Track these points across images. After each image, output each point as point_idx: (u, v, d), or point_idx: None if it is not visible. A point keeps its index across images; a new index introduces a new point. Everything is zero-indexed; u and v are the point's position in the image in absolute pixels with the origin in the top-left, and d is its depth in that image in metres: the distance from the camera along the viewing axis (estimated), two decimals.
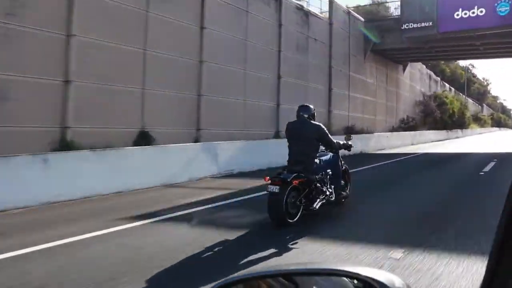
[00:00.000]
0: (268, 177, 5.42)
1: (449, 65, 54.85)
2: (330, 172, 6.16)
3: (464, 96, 55.95)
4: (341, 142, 6.39)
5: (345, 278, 1.00)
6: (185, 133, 11.79)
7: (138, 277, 3.62)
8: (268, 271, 1.12)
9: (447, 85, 48.77)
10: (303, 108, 5.94)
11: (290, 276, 1.08)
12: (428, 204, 7.09)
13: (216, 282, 1.05)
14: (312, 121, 5.87)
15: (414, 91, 33.65)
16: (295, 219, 5.54)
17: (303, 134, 5.75)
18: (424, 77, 37.29)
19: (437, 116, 34.36)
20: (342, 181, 6.73)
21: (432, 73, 40.83)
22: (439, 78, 44.38)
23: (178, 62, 11.72)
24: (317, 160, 5.91)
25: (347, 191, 6.85)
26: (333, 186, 6.15)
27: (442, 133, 35.13)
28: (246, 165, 11.67)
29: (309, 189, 5.72)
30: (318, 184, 5.91)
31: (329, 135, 5.95)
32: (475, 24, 19.82)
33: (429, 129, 32.82)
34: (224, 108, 13.25)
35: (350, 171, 7.08)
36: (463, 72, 60.05)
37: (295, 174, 5.49)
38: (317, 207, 5.76)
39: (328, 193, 6.02)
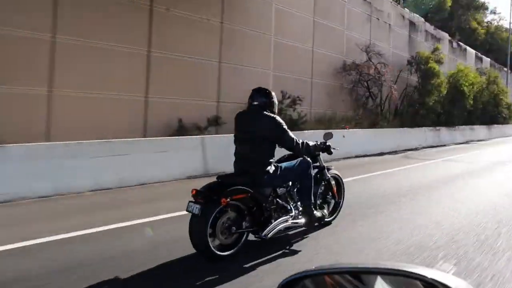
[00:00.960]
0: (194, 190, 3.85)
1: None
2: (298, 185, 4.45)
3: (504, 70, 34.63)
4: (314, 143, 4.59)
5: (412, 280, 1.03)
6: None
7: None
8: (336, 267, 1.18)
9: (469, 49, 29.89)
10: (257, 93, 4.23)
11: (357, 273, 1.13)
12: None
13: (285, 278, 1.14)
14: (265, 112, 4.16)
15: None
16: (230, 251, 3.92)
17: (252, 131, 4.12)
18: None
19: (394, 98, 17.48)
20: (333, 196, 5.01)
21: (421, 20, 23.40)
22: (446, 34, 26.56)
23: None
24: (272, 167, 4.19)
25: (330, 209, 5.06)
26: (300, 204, 4.44)
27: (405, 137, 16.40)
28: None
29: (259, 208, 4.08)
30: (279, 201, 4.25)
31: (289, 132, 4.22)
32: None
33: (371, 126, 15.57)
34: None
35: None
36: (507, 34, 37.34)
37: (232, 187, 3.88)
38: (269, 234, 4.08)
39: (293, 213, 4.32)
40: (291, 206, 4.36)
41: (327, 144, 4.79)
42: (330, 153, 4.81)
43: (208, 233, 3.73)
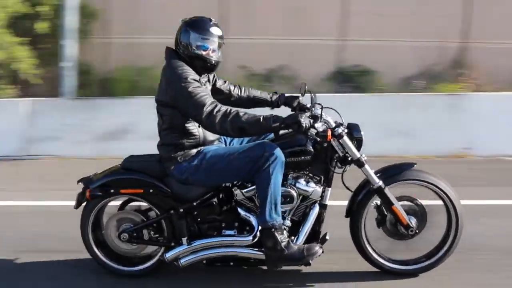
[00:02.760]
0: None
1: None
2: (250, 186, 2.47)
3: None
4: (261, 116, 2.30)
5: None
6: None
7: None
8: None
9: None
10: (180, 28, 2.53)
11: None
12: None
13: None
14: (172, 59, 2.47)
15: None
16: (138, 267, 2.70)
17: (158, 88, 2.57)
18: None
19: None
20: (404, 226, 2.55)
21: None
22: None
23: None
24: (187, 154, 2.47)
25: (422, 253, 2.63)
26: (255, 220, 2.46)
27: None
28: None
29: (168, 213, 2.57)
30: (240, 211, 2.51)
31: (200, 93, 2.32)
32: None
33: None
34: None
35: None
36: None
37: (125, 177, 2.59)
38: (183, 261, 2.50)
39: (256, 236, 2.44)
40: (256, 223, 2.48)
41: (292, 120, 2.28)
42: (300, 132, 2.29)
43: (90, 234, 2.66)
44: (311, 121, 2.31)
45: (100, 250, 2.69)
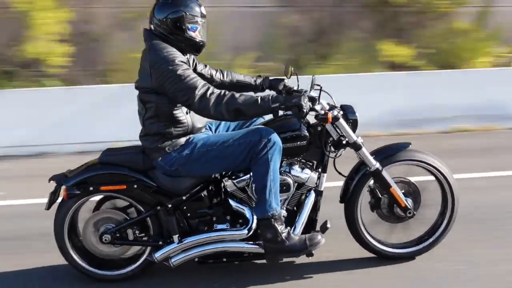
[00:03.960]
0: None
1: None
2: (243, 175, 2.33)
3: None
4: (258, 96, 2.15)
5: None
6: None
7: None
8: None
9: None
10: (158, 6, 2.29)
11: None
12: None
13: None
14: (154, 41, 2.27)
15: None
16: (118, 272, 2.46)
17: (138, 75, 2.34)
18: None
19: None
20: (402, 209, 2.47)
21: None
22: None
23: None
24: (175, 143, 2.28)
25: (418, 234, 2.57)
26: (250, 212, 2.31)
27: None
28: None
29: (154, 209, 2.37)
30: (232, 203, 2.34)
31: (187, 74, 2.13)
32: None
33: None
34: None
35: None
36: None
37: (104, 171, 2.35)
38: (174, 261, 2.31)
39: (251, 229, 2.29)
40: (252, 214, 2.33)
41: (294, 101, 2.12)
42: (300, 115, 2.15)
43: (66, 238, 2.41)
44: (310, 104, 2.18)
45: (78, 255, 2.45)
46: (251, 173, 2.26)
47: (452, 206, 2.53)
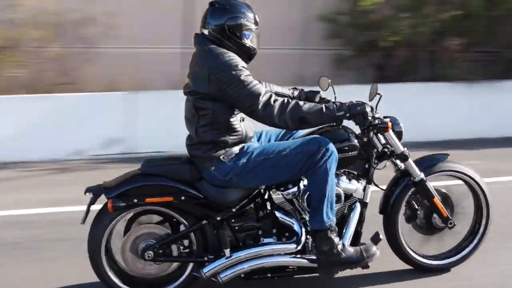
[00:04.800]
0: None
1: None
2: (303, 186, 2.27)
3: None
4: (321, 106, 2.13)
5: None
6: None
7: None
8: None
9: None
10: (212, 11, 2.25)
11: None
12: None
13: None
14: (211, 46, 2.22)
15: None
16: None
17: (190, 81, 2.26)
18: None
19: None
20: (443, 220, 2.49)
21: None
22: None
23: None
24: (230, 152, 2.21)
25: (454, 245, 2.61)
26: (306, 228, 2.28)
27: None
28: None
29: (211, 223, 2.27)
30: (279, 216, 2.27)
31: (252, 81, 2.09)
32: None
33: None
34: None
35: None
36: None
37: (148, 183, 2.23)
38: (223, 277, 2.20)
39: (302, 241, 2.25)
40: (302, 227, 2.27)
41: (359, 109, 2.16)
42: (364, 127, 2.25)
43: (103, 255, 2.24)
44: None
45: (114, 273, 2.28)
46: (307, 183, 2.22)
47: (487, 216, 2.60)
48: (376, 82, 2.49)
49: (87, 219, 2.23)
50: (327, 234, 2.17)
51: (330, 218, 2.17)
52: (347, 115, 2.12)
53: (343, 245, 2.22)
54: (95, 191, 2.23)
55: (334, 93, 2.61)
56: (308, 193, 2.24)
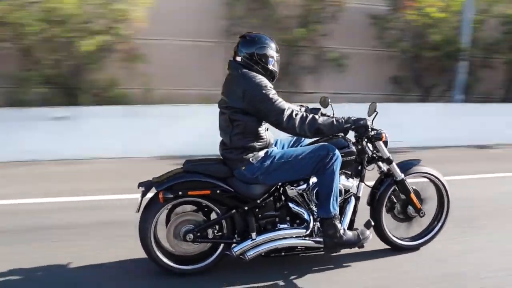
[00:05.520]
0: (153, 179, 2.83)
1: None
2: (311, 183, 2.87)
3: None
4: (332, 119, 2.74)
5: None
6: None
7: None
8: None
9: None
10: (243, 42, 2.83)
11: None
12: None
13: None
14: (244, 70, 2.77)
15: None
16: (194, 266, 2.85)
17: (224, 100, 2.81)
18: None
19: None
20: (415, 210, 3.18)
21: None
22: None
23: None
24: (257, 155, 2.77)
25: (420, 230, 3.29)
26: (315, 217, 2.89)
27: None
28: None
29: (242, 213, 2.82)
30: (292, 206, 2.86)
31: (278, 99, 2.67)
32: None
33: None
34: None
35: None
36: None
37: (190, 179, 2.75)
38: (248, 255, 2.76)
39: (310, 226, 2.84)
40: (310, 215, 2.87)
41: (362, 122, 2.79)
42: (364, 136, 2.92)
43: (153, 236, 2.75)
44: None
45: (160, 252, 2.79)
46: (317, 181, 2.80)
47: (447, 207, 3.31)
48: (375, 102, 3.11)
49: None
50: (333, 221, 2.78)
51: (335, 208, 2.78)
52: (353, 127, 2.74)
53: (344, 229, 2.84)
54: (146, 185, 2.73)
55: (333, 110, 3.21)
56: (316, 188, 2.84)
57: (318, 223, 2.86)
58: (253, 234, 2.78)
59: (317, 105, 3.33)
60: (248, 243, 2.78)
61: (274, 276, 2.87)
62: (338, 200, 2.85)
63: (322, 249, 2.88)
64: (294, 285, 2.78)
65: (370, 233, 2.95)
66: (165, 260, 2.78)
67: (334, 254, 2.98)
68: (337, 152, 2.77)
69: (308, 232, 2.86)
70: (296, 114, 2.66)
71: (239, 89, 2.67)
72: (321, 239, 2.83)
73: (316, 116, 2.70)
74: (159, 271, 2.82)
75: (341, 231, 2.81)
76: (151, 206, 2.74)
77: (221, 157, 2.87)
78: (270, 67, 2.80)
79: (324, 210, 2.79)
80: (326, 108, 3.27)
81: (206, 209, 2.88)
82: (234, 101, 2.70)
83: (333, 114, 3.15)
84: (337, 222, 2.80)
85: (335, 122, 2.71)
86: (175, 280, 2.80)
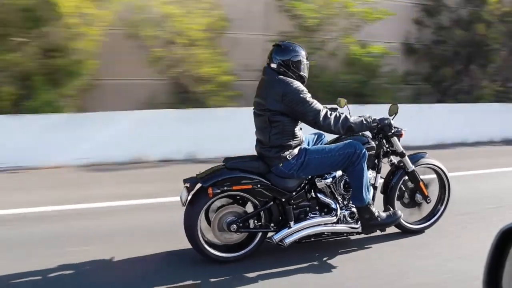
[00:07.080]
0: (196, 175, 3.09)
1: None
2: (338, 176, 3.23)
3: None
4: (361, 118, 3.14)
5: None
6: None
7: None
8: None
9: None
10: (277, 50, 3.14)
11: None
12: None
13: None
14: (280, 76, 3.07)
15: None
16: (235, 254, 3.12)
17: (261, 103, 3.10)
18: None
19: None
20: (423, 197, 3.59)
21: None
22: None
23: None
24: (293, 152, 3.08)
25: (423, 215, 3.69)
26: (350, 205, 3.26)
27: None
28: None
29: (279, 204, 3.12)
30: (321, 197, 3.19)
31: (313, 101, 3.00)
32: None
33: None
34: None
35: None
36: None
37: (233, 175, 3.02)
38: (287, 241, 3.07)
39: (338, 214, 3.18)
40: (337, 204, 3.21)
41: (386, 122, 3.24)
42: (388, 135, 3.33)
43: (199, 228, 3.00)
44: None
45: (205, 242, 3.04)
46: (349, 175, 3.14)
47: (448, 195, 3.74)
48: (396, 103, 3.47)
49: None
50: (368, 207, 3.15)
51: (368, 197, 3.15)
52: (379, 126, 3.11)
53: (378, 212, 3.21)
54: (192, 182, 2.97)
55: (349, 110, 3.56)
56: (342, 180, 3.20)
57: (344, 211, 3.22)
58: (291, 223, 3.09)
59: (334, 106, 3.66)
60: (286, 230, 3.08)
61: (300, 260, 3.20)
62: (370, 189, 3.22)
63: (360, 231, 3.25)
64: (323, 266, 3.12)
65: (401, 213, 3.35)
66: (209, 249, 3.04)
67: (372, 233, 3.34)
68: (363, 149, 3.12)
69: (335, 220, 3.20)
70: (331, 114, 2.99)
71: (277, 93, 2.97)
72: (353, 225, 3.19)
73: (348, 116, 3.04)
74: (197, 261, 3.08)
75: (376, 214, 3.19)
76: (198, 200, 2.98)
77: (257, 155, 3.15)
78: (302, 73, 3.11)
79: (358, 200, 3.15)
80: (343, 108, 3.61)
81: (240, 202, 3.16)
82: (272, 103, 2.99)
83: (349, 114, 3.49)
84: (372, 207, 3.17)
85: (364, 121, 3.06)
86: (216, 267, 3.06)
